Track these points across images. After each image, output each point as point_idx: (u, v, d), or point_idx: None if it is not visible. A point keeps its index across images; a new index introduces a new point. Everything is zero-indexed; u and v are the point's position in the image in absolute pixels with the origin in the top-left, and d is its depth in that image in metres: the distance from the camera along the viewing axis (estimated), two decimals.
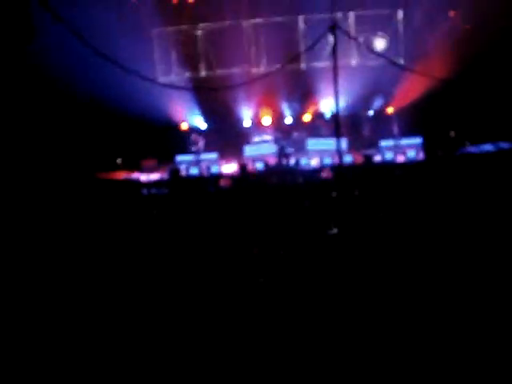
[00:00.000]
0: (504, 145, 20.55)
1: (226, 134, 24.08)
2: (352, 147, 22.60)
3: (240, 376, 6.67)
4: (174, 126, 23.72)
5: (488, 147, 20.75)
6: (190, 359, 7.13)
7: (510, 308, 7.60)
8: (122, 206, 16.42)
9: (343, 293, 8.96)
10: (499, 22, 21.89)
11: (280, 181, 19.16)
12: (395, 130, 22.57)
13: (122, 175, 21.70)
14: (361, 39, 23.94)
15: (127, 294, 9.22)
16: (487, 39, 21.90)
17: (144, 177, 21.45)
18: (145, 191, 19.43)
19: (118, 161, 22.34)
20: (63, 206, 15.33)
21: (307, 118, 24.76)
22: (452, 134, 21.55)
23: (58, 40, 16.66)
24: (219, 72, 25.04)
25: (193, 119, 24.44)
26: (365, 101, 24.19)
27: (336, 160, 19.22)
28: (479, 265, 9.36)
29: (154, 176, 21.56)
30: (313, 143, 23.30)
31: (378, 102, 24.40)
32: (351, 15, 24.42)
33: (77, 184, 18.48)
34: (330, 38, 16.23)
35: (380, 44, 24.61)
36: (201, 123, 24.49)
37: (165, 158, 22.68)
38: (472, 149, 20.92)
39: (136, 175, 21.69)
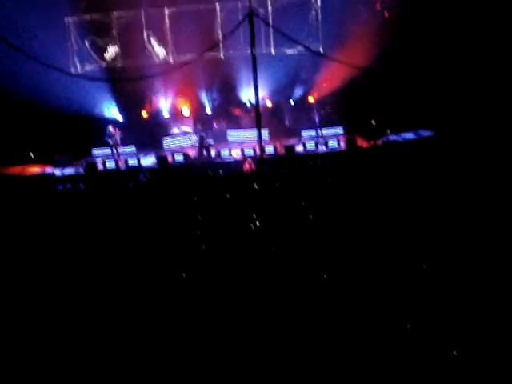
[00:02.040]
0: (424, 133, 20.78)
1: (144, 126, 23.56)
2: (273, 137, 22.41)
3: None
4: (89, 118, 22.90)
5: (409, 135, 20.95)
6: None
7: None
8: (36, 202, 15.94)
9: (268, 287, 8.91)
10: (418, 9, 21.97)
11: (201, 173, 18.83)
12: (316, 119, 22.39)
13: (34, 170, 20.93)
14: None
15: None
16: (407, 26, 22.07)
17: (58, 171, 20.66)
18: (60, 186, 18.91)
19: (31, 154, 21.50)
20: None
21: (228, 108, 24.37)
22: (373, 122, 21.54)
23: None
24: (135, 62, 24.33)
25: (109, 110, 23.66)
26: (285, 90, 23.90)
27: (257, 151, 19.12)
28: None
29: (69, 170, 20.77)
30: (234, 134, 23.03)
31: (298, 91, 24.15)
32: (269, 3, 24.06)
33: None
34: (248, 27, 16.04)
35: None
36: (117, 115, 23.75)
37: (80, 152, 21.98)
38: (393, 137, 21.04)
39: (50, 170, 20.91)
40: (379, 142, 20.67)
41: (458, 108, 20.38)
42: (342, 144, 21.21)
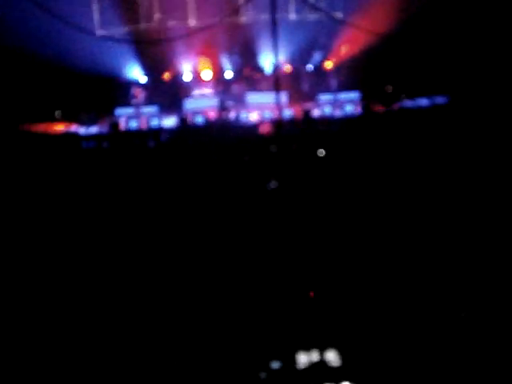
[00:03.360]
0: (439, 99, 21.03)
1: (166, 87, 23.93)
2: (291, 101, 22.72)
3: None
4: (113, 79, 23.34)
5: (424, 101, 21.19)
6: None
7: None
8: (62, 159, 16.26)
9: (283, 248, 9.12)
10: None
11: (220, 135, 19.33)
12: (334, 84, 22.72)
13: (60, 128, 21.37)
14: None
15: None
16: None
17: (83, 130, 21.15)
18: (84, 144, 19.27)
19: (57, 113, 21.94)
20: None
21: (247, 71, 24.71)
22: (389, 88, 21.83)
23: None
24: (158, 24, 24.68)
25: (132, 72, 24.02)
26: (304, 55, 24.18)
27: (276, 114, 19.47)
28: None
29: (93, 129, 21.26)
30: (253, 97, 23.37)
31: (317, 57, 24.41)
32: None
33: (13, 137, 18.25)
34: None
35: None
36: (140, 76, 24.12)
37: (104, 111, 22.29)
38: (408, 103, 21.31)
39: (75, 128, 21.37)
40: (395, 107, 20.96)
41: (474, 75, 20.62)
42: (359, 109, 21.61)
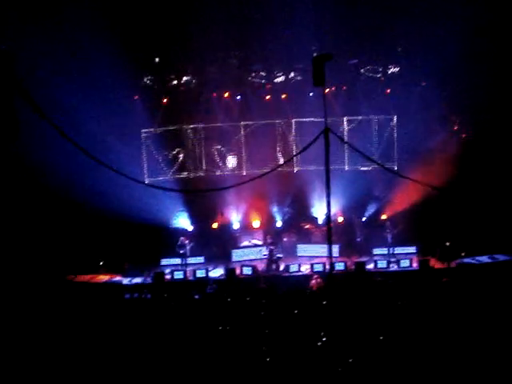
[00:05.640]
0: (500, 257, 20.12)
1: (214, 237, 23.57)
2: (344, 253, 22.08)
3: None
4: (160, 228, 23.03)
5: (484, 259, 20.29)
6: None
7: None
8: (103, 310, 15.86)
9: None
10: (497, 132, 21.83)
11: (268, 287, 18.60)
12: (389, 237, 21.94)
13: (103, 278, 20.95)
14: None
15: None
16: (485, 149, 21.90)
17: (126, 280, 20.61)
18: (127, 295, 18.84)
19: (101, 263, 21.58)
20: (41, 311, 14.86)
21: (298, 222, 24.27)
22: (447, 243, 20.99)
23: (43, 137, 16.39)
24: (208, 173, 24.77)
25: (180, 221, 23.77)
26: (358, 206, 23.78)
27: (327, 266, 18.79)
28: None
29: (137, 279, 20.74)
30: (303, 249, 22.78)
31: (371, 208, 23.96)
32: (345, 119, 24.35)
33: (57, 287, 18.02)
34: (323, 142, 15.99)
35: None
36: (188, 225, 23.80)
37: (150, 261, 21.95)
38: (468, 260, 20.41)
39: (118, 278, 20.88)
40: (453, 264, 20.07)
41: None
42: (415, 264, 20.69)
